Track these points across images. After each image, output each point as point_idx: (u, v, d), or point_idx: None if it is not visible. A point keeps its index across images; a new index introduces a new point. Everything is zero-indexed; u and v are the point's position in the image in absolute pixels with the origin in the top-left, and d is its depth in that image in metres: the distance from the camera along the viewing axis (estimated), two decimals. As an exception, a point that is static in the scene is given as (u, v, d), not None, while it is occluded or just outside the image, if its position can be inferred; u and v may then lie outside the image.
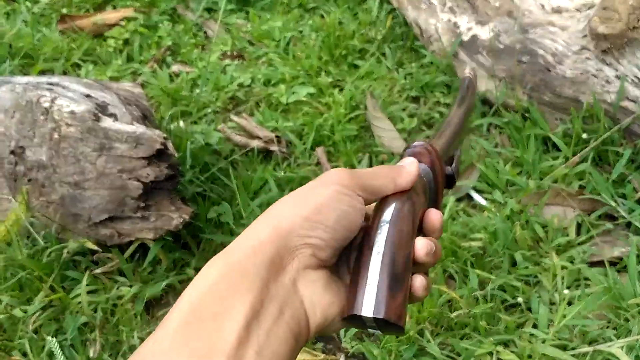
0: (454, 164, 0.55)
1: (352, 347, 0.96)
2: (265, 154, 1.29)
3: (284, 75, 1.46)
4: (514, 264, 1.03)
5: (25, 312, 0.97)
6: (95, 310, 0.99)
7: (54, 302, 0.99)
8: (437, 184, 0.52)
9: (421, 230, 0.49)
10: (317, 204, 0.42)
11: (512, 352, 0.90)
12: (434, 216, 0.49)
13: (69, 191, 0.98)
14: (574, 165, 1.15)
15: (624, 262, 1.00)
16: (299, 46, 1.56)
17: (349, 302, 0.41)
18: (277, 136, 1.31)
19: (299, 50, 1.54)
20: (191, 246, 1.09)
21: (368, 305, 0.40)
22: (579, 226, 1.08)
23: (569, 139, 1.19)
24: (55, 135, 0.97)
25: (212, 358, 0.34)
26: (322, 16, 1.66)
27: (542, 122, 1.22)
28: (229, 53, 1.58)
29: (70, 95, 1.02)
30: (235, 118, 1.38)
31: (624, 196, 1.11)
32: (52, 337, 0.94)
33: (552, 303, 0.97)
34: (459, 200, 1.16)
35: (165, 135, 0.98)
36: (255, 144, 1.28)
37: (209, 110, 1.40)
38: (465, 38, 1.34)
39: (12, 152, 1.01)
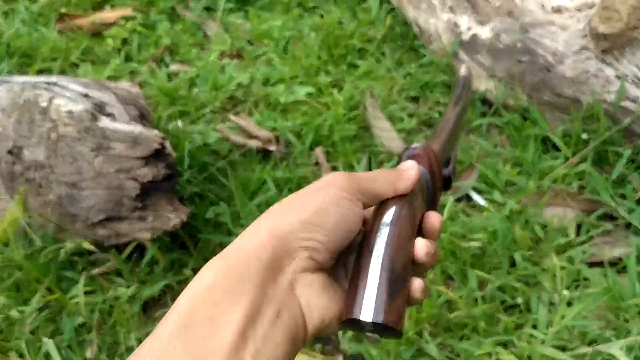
0: (450, 166, 0.55)
1: (351, 348, 0.96)
2: (264, 154, 1.28)
3: (283, 75, 1.46)
4: (513, 264, 1.03)
5: (22, 312, 0.97)
6: (92, 311, 0.99)
7: (51, 303, 0.99)
8: (435, 186, 0.52)
9: (420, 232, 0.48)
10: (315, 207, 0.41)
11: (512, 352, 0.90)
12: (433, 219, 0.49)
13: (66, 191, 0.97)
14: (573, 165, 1.15)
15: (624, 262, 1.00)
16: (298, 46, 1.55)
17: (348, 305, 0.41)
18: (275, 136, 1.30)
19: (298, 49, 1.54)
20: (189, 246, 1.08)
21: (367, 309, 0.40)
22: (578, 226, 1.08)
23: (568, 139, 1.19)
24: (53, 135, 0.97)
25: None
26: (322, 16, 1.65)
27: (542, 122, 1.22)
28: (227, 52, 1.57)
29: (68, 94, 1.02)
30: (233, 118, 1.37)
31: (623, 196, 1.11)
32: (49, 338, 0.94)
33: (551, 303, 0.97)
34: (458, 200, 1.16)
35: (163, 135, 0.98)
36: (253, 143, 1.28)
37: (208, 110, 1.40)
38: (465, 38, 1.34)
39: (10, 152, 1.01)
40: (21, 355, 0.93)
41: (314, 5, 1.70)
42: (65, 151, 0.96)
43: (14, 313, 0.97)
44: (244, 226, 1.11)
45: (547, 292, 0.98)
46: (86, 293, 1.00)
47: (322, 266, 0.42)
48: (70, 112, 0.97)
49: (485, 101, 1.33)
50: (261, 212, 1.16)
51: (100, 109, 1.03)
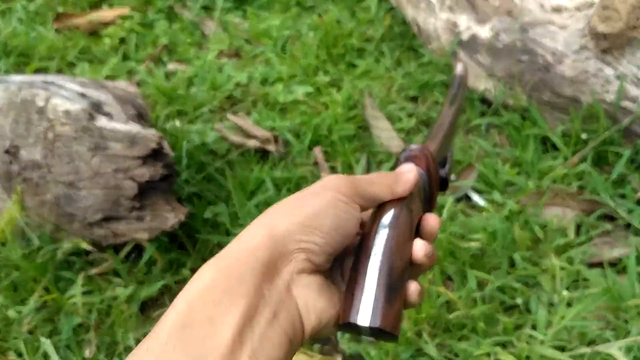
0: (446, 166, 0.56)
1: (350, 348, 0.95)
2: (262, 154, 1.28)
3: (281, 74, 1.45)
4: (512, 264, 1.02)
5: (20, 312, 0.97)
6: (90, 311, 0.99)
7: (48, 303, 0.99)
8: (432, 187, 0.53)
9: (418, 234, 0.48)
10: (313, 210, 0.42)
11: (511, 353, 0.90)
12: (432, 221, 0.49)
13: (64, 191, 0.97)
14: (573, 165, 1.15)
15: (623, 263, 1.00)
16: (296, 45, 1.55)
17: (345, 309, 0.41)
18: (274, 136, 1.30)
19: (296, 49, 1.53)
20: (187, 246, 1.08)
21: (364, 314, 0.40)
22: (578, 227, 1.08)
23: (568, 139, 1.19)
24: (50, 135, 0.96)
25: None
26: (320, 15, 1.65)
27: (542, 122, 1.22)
28: (225, 52, 1.57)
29: (65, 94, 1.01)
30: (231, 117, 1.37)
31: (623, 196, 1.11)
32: (47, 337, 0.94)
33: (550, 304, 0.97)
34: (457, 200, 1.16)
35: (160, 134, 0.98)
36: (252, 143, 1.28)
37: (205, 109, 1.40)
38: (465, 37, 1.33)
39: (7, 151, 1.00)
40: (19, 354, 0.93)
41: (312, 4, 1.70)
42: (63, 151, 0.96)
43: (11, 313, 0.96)
44: (242, 226, 1.10)
45: (546, 293, 0.98)
46: (84, 293, 1.00)
47: (319, 268, 0.42)
48: (67, 112, 0.97)
49: (484, 101, 1.33)
50: (260, 212, 1.15)
51: (97, 108, 1.02)
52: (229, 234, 1.09)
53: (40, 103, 0.98)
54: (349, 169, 1.24)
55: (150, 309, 1.03)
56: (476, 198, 1.16)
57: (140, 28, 1.62)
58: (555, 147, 1.21)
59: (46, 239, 1.01)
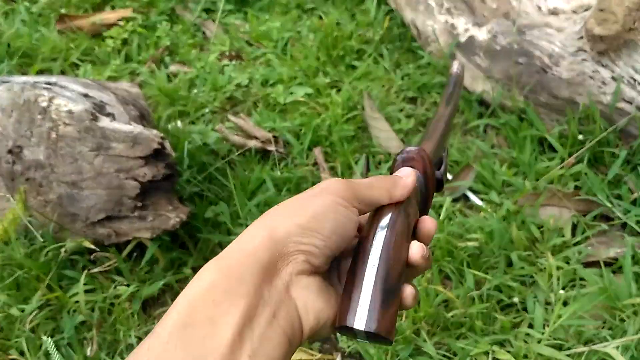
0: (442, 168, 0.56)
1: (349, 346, 0.96)
2: (263, 154, 1.29)
3: (281, 76, 1.46)
4: (509, 264, 1.03)
5: (23, 311, 0.97)
6: (92, 310, 1.00)
7: (51, 301, 1.00)
8: (429, 189, 0.53)
9: (414, 236, 0.49)
10: (313, 213, 0.42)
11: (508, 352, 0.91)
12: (429, 224, 0.49)
13: (67, 190, 0.98)
14: (569, 166, 1.16)
15: (620, 262, 1.01)
16: (296, 47, 1.56)
17: (342, 312, 0.42)
18: (274, 136, 1.31)
19: (296, 50, 1.55)
20: (188, 246, 1.09)
21: (360, 318, 0.41)
22: (574, 227, 1.09)
23: (565, 140, 1.20)
24: (53, 135, 0.98)
25: None
26: (320, 17, 1.66)
27: (539, 123, 1.23)
28: (227, 53, 1.58)
29: (68, 94, 1.03)
30: (232, 118, 1.38)
31: (619, 197, 1.12)
32: (49, 336, 0.94)
33: (547, 303, 0.98)
34: (455, 200, 1.17)
35: (162, 135, 0.99)
36: (252, 144, 1.29)
37: (207, 110, 1.41)
38: (463, 39, 1.35)
39: (10, 152, 1.01)
40: (22, 353, 0.94)
41: (312, 6, 1.71)
42: (65, 151, 0.97)
43: (14, 311, 0.97)
44: (243, 226, 1.12)
45: (543, 292, 0.99)
46: (86, 291, 1.00)
47: (318, 270, 0.43)
48: (70, 112, 0.98)
49: (482, 102, 1.34)
50: (260, 211, 1.17)
51: (100, 109, 1.03)
52: (230, 234, 1.10)
53: (43, 103, 0.99)
54: (348, 170, 1.25)
55: (151, 308, 1.04)
56: (474, 198, 1.17)
57: (142, 30, 1.64)
58: (552, 148, 1.22)
59: (49, 238, 1.02)
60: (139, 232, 0.99)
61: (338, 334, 0.97)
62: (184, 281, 1.06)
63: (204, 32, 1.67)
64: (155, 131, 0.98)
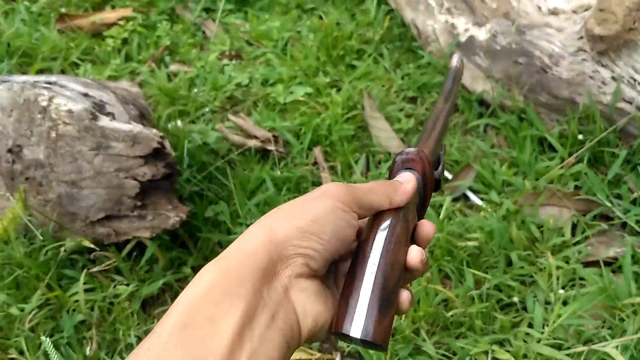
0: (440, 167, 0.56)
1: (348, 346, 0.96)
2: (263, 154, 1.29)
3: (281, 75, 1.46)
4: (509, 263, 1.03)
5: (22, 310, 0.98)
6: (92, 309, 1.00)
7: (50, 301, 1.00)
8: (427, 190, 0.53)
9: (413, 239, 0.49)
10: (313, 217, 0.42)
11: (508, 351, 0.91)
12: (427, 228, 0.49)
13: (66, 190, 0.98)
14: (569, 165, 1.16)
15: (619, 262, 1.01)
16: (296, 46, 1.56)
17: (339, 318, 0.42)
18: (274, 136, 1.31)
19: (296, 50, 1.55)
20: (188, 245, 1.09)
21: (357, 326, 0.41)
22: (574, 226, 1.09)
23: (564, 139, 1.20)
24: (53, 134, 0.98)
25: None
26: (320, 17, 1.66)
27: (539, 123, 1.23)
28: (227, 53, 1.58)
29: (67, 94, 1.03)
30: (232, 118, 1.38)
31: (619, 197, 1.12)
32: (49, 335, 0.95)
33: (547, 303, 0.98)
34: (455, 200, 1.17)
35: (162, 134, 0.99)
36: (252, 143, 1.29)
37: (207, 109, 1.41)
38: (463, 39, 1.35)
39: (10, 151, 1.01)
40: (21, 352, 0.94)
41: (312, 6, 1.71)
42: (65, 150, 0.97)
43: (14, 310, 0.97)
44: (242, 225, 1.12)
45: (543, 291, 0.99)
46: (86, 291, 1.00)
47: (317, 273, 0.43)
48: (70, 111, 0.98)
49: (482, 102, 1.34)
50: (260, 211, 1.16)
51: (100, 108, 1.03)
52: (230, 233, 1.10)
53: (43, 103, 0.99)
54: (348, 169, 1.25)
55: (151, 307, 1.04)
56: (474, 198, 1.17)
57: (142, 29, 1.64)
58: (552, 148, 1.22)
59: (49, 238, 1.02)
60: (139, 232, 0.99)
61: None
62: (183, 280, 1.06)
63: (204, 32, 1.67)
64: (155, 130, 0.98)
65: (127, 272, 1.04)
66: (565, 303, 0.96)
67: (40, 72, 1.50)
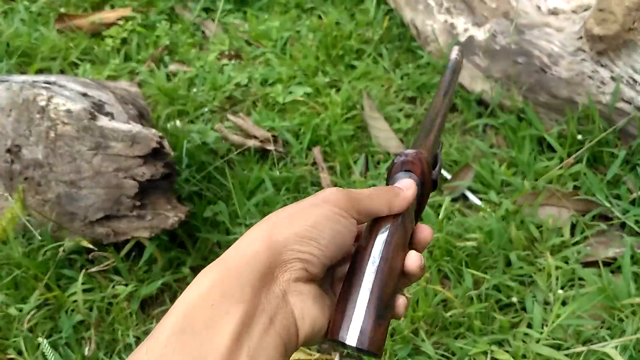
0: (437, 167, 0.55)
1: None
2: (262, 154, 1.29)
3: (281, 75, 1.46)
4: (508, 264, 1.03)
5: (21, 310, 0.97)
6: (90, 309, 1.00)
7: (49, 301, 0.99)
8: (425, 190, 0.53)
9: (410, 243, 0.49)
10: (312, 222, 0.43)
11: (507, 351, 0.91)
12: (426, 233, 0.49)
13: (65, 190, 0.98)
14: (568, 166, 1.16)
15: (618, 262, 1.01)
16: (296, 46, 1.56)
17: (335, 325, 0.42)
18: (273, 136, 1.31)
19: (296, 50, 1.55)
20: (187, 245, 1.09)
21: (353, 334, 0.41)
22: (573, 226, 1.09)
23: (564, 139, 1.20)
24: (52, 134, 0.98)
25: None
26: (320, 17, 1.66)
27: (538, 123, 1.23)
28: (226, 53, 1.58)
29: (66, 94, 1.03)
30: (232, 117, 1.38)
31: (618, 197, 1.12)
32: (47, 335, 0.94)
33: (546, 303, 0.98)
34: (454, 200, 1.17)
35: (161, 134, 0.99)
36: (251, 143, 1.29)
37: (206, 109, 1.41)
38: (462, 39, 1.35)
39: (8, 151, 1.01)
40: (20, 352, 0.94)
41: (312, 6, 1.71)
42: (64, 150, 0.97)
43: (12, 311, 0.97)
44: (242, 225, 1.11)
45: (542, 292, 0.99)
46: (84, 291, 1.00)
47: (315, 277, 0.43)
48: (69, 111, 0.98)
49: (481, 102, 1.34)
50: (259, 211, 1.16)
51: (99, 108, 1.03)
52: (229, 233, 1.10)
53: (42, 103, 0.99)
54: (347, 169, 1.25)
55: (150, 307, 1.04)
56: (473, 198, 1.17)
57: (141, 29, 1.63)
58: (551, 148, 1.22)
59: (47, 238, 1.02)
60: (138, 232, 0.99)
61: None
62: (182, 281, 1.06)
63: (203, 32, 1.67)
64: (154, 130, 0.98)
65: (125, 272, 1.04)
66: (564, 303, 0.96)
67: (40, 71, 1.50)
